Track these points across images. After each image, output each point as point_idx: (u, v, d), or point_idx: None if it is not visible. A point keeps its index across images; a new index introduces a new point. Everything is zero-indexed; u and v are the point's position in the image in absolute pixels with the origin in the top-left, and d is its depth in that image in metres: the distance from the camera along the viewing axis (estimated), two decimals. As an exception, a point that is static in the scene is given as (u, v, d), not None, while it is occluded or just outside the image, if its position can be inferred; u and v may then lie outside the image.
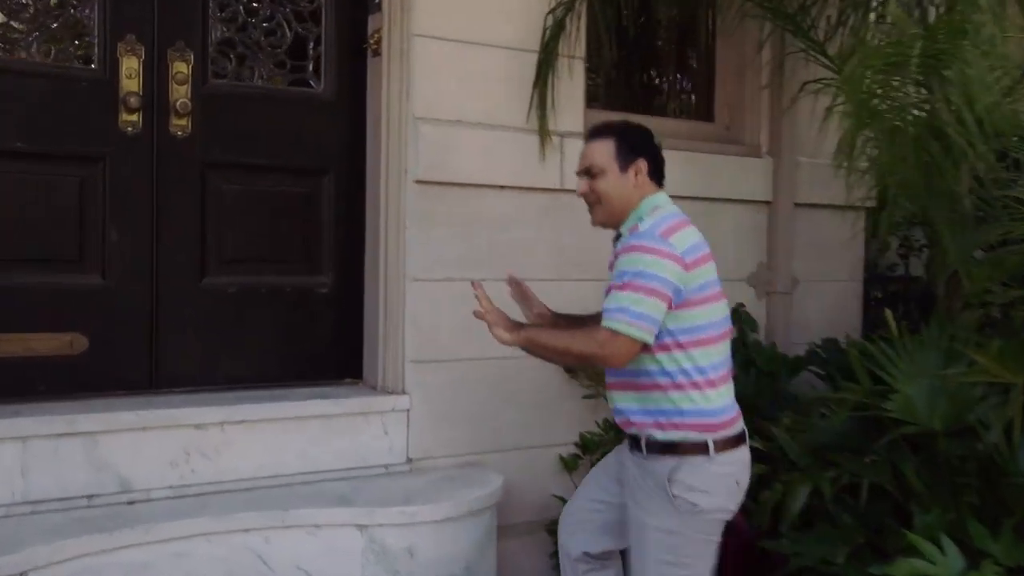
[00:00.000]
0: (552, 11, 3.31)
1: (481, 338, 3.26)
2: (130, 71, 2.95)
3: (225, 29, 3.12)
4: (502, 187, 3.28)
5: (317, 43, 3.28)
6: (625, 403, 2.35)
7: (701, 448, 2.23)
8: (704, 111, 4.04)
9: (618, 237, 2.39)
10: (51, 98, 2.87)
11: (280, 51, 3.22)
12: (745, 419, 3.31)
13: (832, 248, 4.06)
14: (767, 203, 3.90)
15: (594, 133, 2.41)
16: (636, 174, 2.32)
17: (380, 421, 3.10)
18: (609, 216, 2.37)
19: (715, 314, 2.29)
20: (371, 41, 3.26)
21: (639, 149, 2.35)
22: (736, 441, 2.30)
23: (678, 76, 4.17)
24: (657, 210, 2.31)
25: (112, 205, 2.96)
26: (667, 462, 2.24)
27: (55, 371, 2.89)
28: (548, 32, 3.31)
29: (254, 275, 3.18)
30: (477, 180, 3.22)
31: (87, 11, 2.94)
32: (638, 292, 2.15)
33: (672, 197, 2.41)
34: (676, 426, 2.25)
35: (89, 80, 2.93)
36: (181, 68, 3.02)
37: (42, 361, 2.88)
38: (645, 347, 2.21)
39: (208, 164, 3.09)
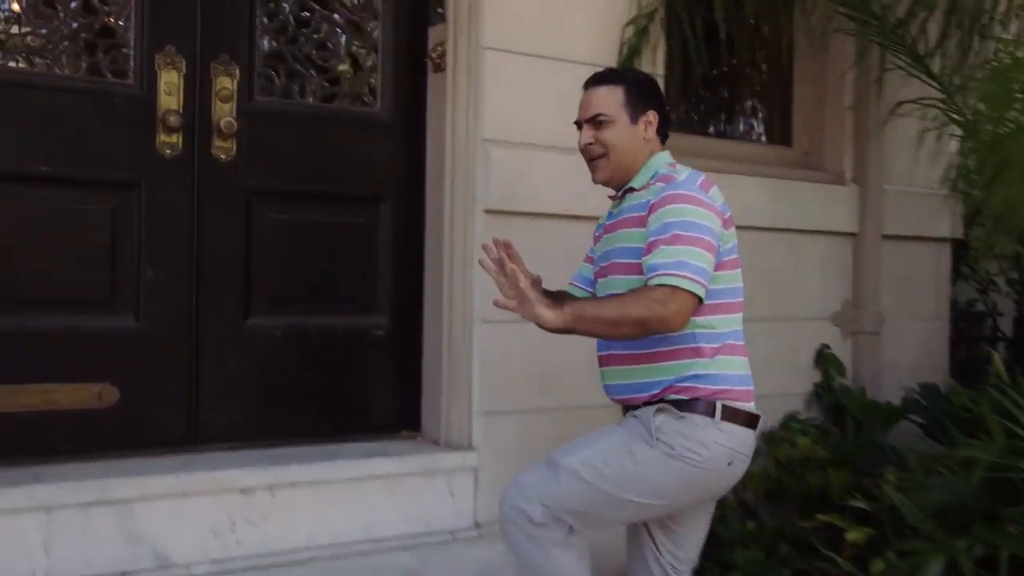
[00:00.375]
0: (632, 22, 3.00)
1: (556, 387, 2.97)
2: (169, 86, 2.62)
3: (274, 41, 2.80)
4: (577, 216, 2.94)
5: (373, 57, 2.96)
6: (631, 378, 2.10)
7: (708, 409, 2.01)
8: (780, 135, 3.74)
9: (623, 195, 2.17)
10: (80, 116, 2.54)
11: (332, 65, 2.89)
12: (844, 475, 3.03)
13: (918, 283, 3.76)
14: (852, 235, 3.59)
15: (600, 80, 2.19)
16: (646, 127, 2.14)
17: (445, 481, 2.75)
18: (615, 172, 2.15)
19: (738, 280, 2.13)
20: (433, 55, 2.94)
21: (649, 100, 2.16)
22: (747, 420, 2.06)
23: (753, 97, 3.87)
24: (675, 166, 2.14)
25: (147, 238, 2.62)
26: (663, 409, 2.02)
27: (81, 427, 2.53)
28: (626, 46, 3.01)
29: (303, 315, 2.84)
30: (552, 209, 2.90)
31: (121, 20, 2.61)
32: (694, 245, 1.94)
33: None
34: (688, 390, 2.03)
35: (123, 96, 2.60)
36: (226, 84, 2.69)
37: (67, 416, 2.52)
38: None
39: (254, 191, 2.76)
